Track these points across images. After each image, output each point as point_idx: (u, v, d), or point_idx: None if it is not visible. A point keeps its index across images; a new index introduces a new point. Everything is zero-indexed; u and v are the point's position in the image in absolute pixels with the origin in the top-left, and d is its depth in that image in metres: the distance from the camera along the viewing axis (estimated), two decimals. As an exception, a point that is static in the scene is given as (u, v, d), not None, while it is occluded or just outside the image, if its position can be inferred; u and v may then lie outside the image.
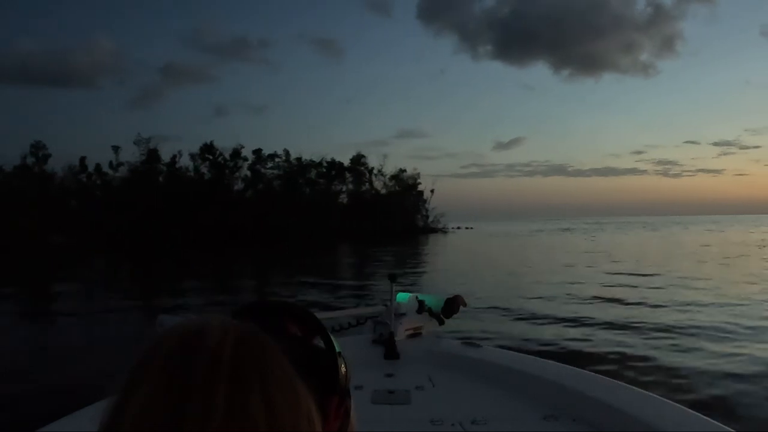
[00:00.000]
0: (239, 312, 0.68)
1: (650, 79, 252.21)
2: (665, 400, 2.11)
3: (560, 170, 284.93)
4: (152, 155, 73.74)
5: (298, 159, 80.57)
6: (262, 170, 78.76)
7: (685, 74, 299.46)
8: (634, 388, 2.27)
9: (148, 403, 0.48)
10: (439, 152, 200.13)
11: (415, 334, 3.30)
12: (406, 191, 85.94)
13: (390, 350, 3.08)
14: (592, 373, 2.52)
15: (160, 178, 74.09)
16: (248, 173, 77.83)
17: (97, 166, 73.62)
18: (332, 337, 0.69)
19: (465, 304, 3.41)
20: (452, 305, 3.36)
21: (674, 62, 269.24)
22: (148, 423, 0.47)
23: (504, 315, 12.26)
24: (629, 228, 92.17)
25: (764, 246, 38.10)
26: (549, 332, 10.38)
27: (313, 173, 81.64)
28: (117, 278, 26.50)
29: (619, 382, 2.39)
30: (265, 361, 0.52)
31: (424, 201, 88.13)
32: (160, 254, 41.30)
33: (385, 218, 75.21)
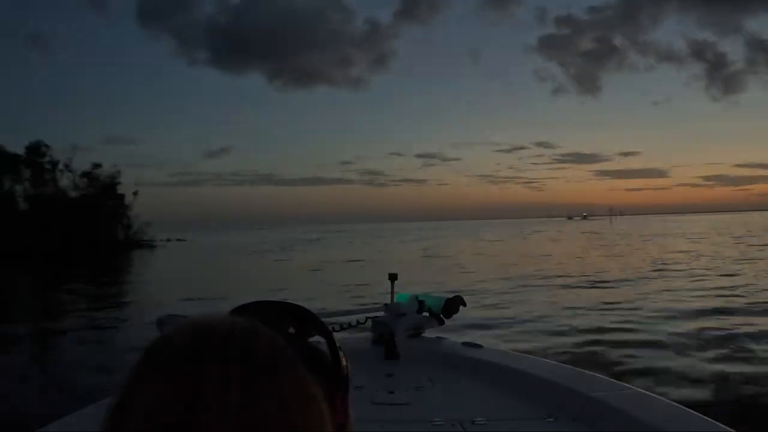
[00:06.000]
0: (237, 311, 0.66)
1: (362, 93, 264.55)
2: (665, 399, 2.15)
3: (268, 180, 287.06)
4: None
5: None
6: None
7: (396, 90, 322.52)
8: (634, 387, 2.27)
9: (158, 402, 0.46)
10: (148, 159, 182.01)
11: (415, 334, 3.32)
12: (103, 194, 67.01)
13: (390, 350, 3.10)
14: (592, 373, 2.54)
15: None
16: None
17: None
18: (331, 332, 0.69)
19: (465, 304, 3.40)
20: (452, 305, 3.34)
21: (387, 78, 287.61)
22: (159, 422, 0.45)
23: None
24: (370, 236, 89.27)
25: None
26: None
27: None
28: None
29: (619, 382, 2.41)
30: (275, 357, 0.51)
31: (126, 207, 68.30)
32: None
33: (77, 229, 57.85)
